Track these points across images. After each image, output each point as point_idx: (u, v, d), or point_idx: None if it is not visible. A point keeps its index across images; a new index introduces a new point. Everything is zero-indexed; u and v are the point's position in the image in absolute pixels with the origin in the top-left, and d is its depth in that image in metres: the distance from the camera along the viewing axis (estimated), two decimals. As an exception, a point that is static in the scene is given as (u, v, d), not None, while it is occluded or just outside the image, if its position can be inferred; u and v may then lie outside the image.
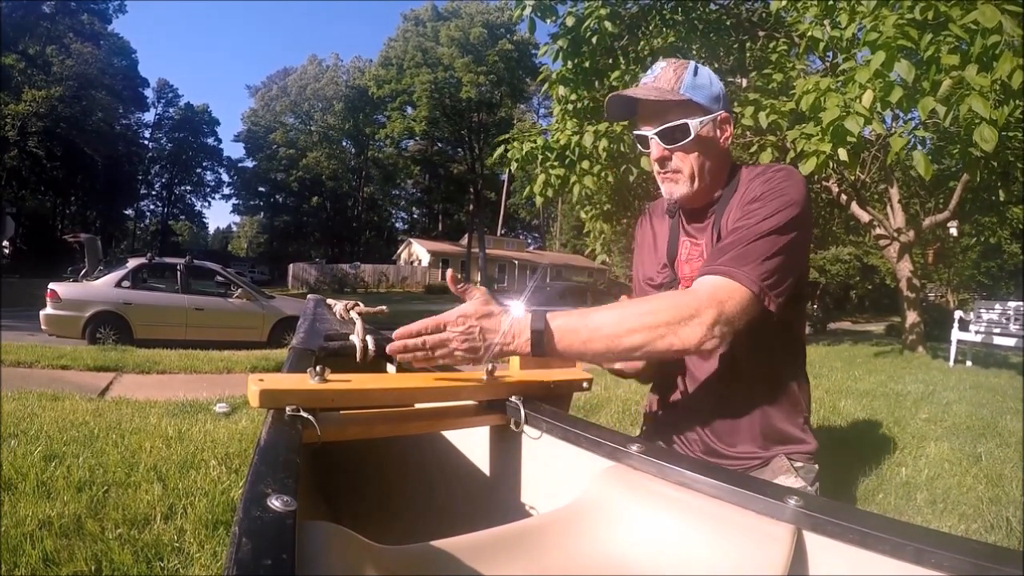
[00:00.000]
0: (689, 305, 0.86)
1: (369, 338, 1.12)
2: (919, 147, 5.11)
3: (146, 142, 44.48)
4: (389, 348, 0.87)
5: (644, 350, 0.85)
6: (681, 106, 0.99)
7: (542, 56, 7.64)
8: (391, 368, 1.22)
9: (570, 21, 6.47)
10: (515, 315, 0.87)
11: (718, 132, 1.03)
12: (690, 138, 1.00)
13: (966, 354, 8.54)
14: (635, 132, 1.06)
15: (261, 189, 45.83)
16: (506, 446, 1.00)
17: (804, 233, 0.96)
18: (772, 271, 0.90)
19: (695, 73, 1.01)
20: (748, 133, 6.48)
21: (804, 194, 0.96)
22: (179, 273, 8.62)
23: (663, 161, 1.03)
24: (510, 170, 7.19)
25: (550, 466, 0.93)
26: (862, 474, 3.11)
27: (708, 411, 1.05)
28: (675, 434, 1.10)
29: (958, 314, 8.80)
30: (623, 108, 1.05)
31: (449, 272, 1.06)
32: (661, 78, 1.01)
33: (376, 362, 1.16)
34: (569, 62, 6.78)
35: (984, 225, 13.28)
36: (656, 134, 1.01)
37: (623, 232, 10.15)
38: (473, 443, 1.09)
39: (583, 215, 10.05)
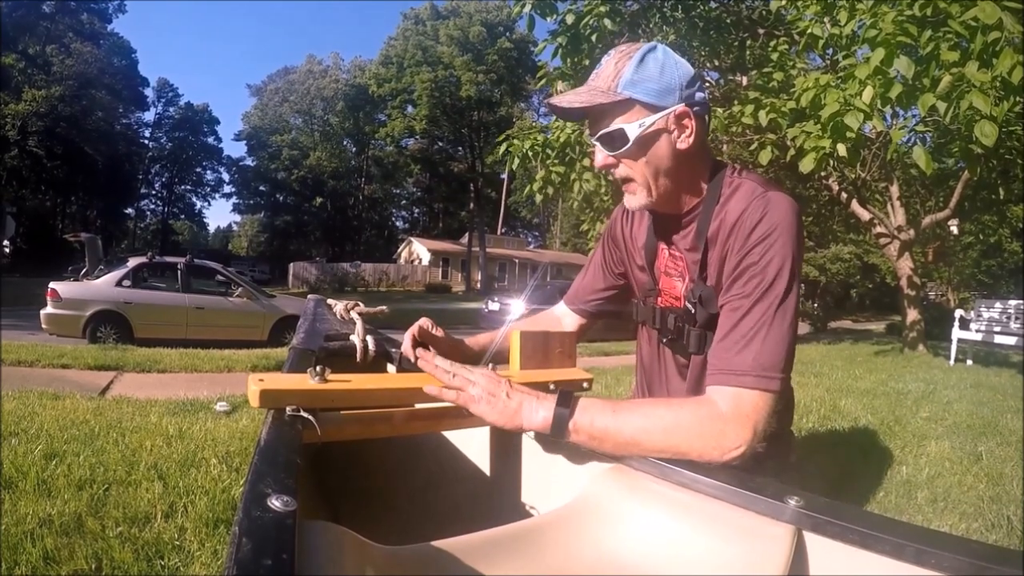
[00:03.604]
0: (715, 428, 0.78)
1: (369, 338, 1.12)
2: (919, 143, 5.11)
3: (146, 141, 44.48)
4: (422, 364, 0.86)
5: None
6: (619, 107, 0.85)
7: (540, 52, 7.61)
8: (391, 368, 1.22)
9: (570, 19, 6.44)
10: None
11: (676, 131, 0.86)
12: (629, 144, 0.85)
13: (967, 353, 8.53)
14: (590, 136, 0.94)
15: (261, 188, 45.81)
16: (506, 446, 1.00)
17: (800, 265, 0.87)
18: (788, 348, 0.81)
19: (639, 63, 0.85)
20: (748, 131, 6.48)
21: (797, 226, 0.85)
22: (179, 272, 8.62)
23: (608, 169, 0.91)
24: (511, 168, 7.17)
25: (550, 466, 0.93)
26: (863, 473, 3.11)
27: None
28: None
29: (959, 312, 8.81)
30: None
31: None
32: (601, 74, 0.87)
33: (376, 362, 1.16)
34: (568, 60, 6.77)
35: (984, 223, 13.31)
36: (597, 140, 0.88)
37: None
38: (473, 443, 1.09)
39: (583, 218, 10.05)
